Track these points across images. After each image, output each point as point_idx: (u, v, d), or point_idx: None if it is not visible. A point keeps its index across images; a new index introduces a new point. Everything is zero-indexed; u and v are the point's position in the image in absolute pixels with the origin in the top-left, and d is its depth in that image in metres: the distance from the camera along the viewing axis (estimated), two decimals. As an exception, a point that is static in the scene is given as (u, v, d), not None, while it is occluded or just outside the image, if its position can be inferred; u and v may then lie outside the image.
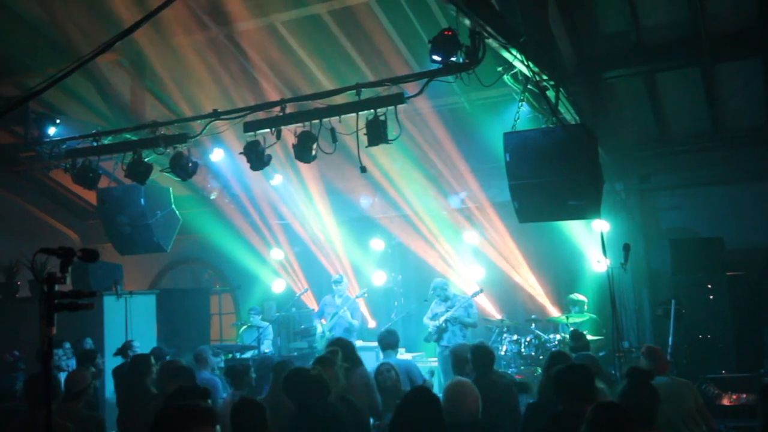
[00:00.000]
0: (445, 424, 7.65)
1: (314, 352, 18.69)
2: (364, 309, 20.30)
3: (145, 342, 16.80)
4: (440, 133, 18.41)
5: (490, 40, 10.69)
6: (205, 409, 5.84)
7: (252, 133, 13.35)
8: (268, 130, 13.16)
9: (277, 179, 18.48)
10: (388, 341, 13.43)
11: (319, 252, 22.35)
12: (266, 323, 19.86)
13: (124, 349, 15.49)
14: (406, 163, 18.94)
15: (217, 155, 16.35)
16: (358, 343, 18.28)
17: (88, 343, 16.88)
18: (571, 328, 16.09)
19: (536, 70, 11.61)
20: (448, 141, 18.53)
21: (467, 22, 10.18)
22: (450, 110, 18.13)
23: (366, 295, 19.31)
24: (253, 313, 19.89)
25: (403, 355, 15.77)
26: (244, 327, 20.36)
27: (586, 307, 17.95)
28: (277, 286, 22.11)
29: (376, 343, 17.97)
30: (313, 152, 12.77)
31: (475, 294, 17.80)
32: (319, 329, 18.75)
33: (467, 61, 10.60)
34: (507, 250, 19.78)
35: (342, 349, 11.30)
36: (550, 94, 12.12)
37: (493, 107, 16.95)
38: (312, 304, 21.59)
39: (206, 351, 14.85)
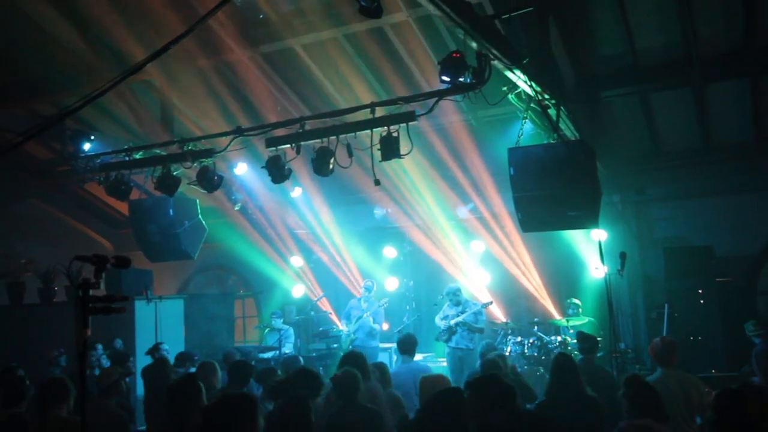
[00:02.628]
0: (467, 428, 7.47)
1: (332, 353, 18.79)
2: (376, 313, 20.35)
3: (173, 344, 16.81)
4: (450, 147, 18.45)
5: (495, 62, 10.69)
6: None
7: (273, 149, 13.38)
8: (288, 145, 13.18)
9: (297, 191, 18.50)
10: (407, 346, 13.28)
11: (333, 260, 22.37)
12: (287, 326, 19.85)
13: (153, 350, 15.51)
14: (418, 175, 18.93)
15: (241, 169, 16.39)
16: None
17: (119, 343, 16.90)
18: (578, 331, 16.08)
19: (538, 89, 11.60)
20: (458, 154, 18.57)
21: (474, 45, 10.18)
22: (459, 127, 18.11)
23: (387, 303, 19.31)
24: (275, 317, 19.85)
25: (415, 356, 15.71)
26: (267, 330, 20.34)
27: (580, 310, 17.97)
28: (297, 291, 22.09)
29: (389, 345, 18.07)
30: (331, 166, 12.80)
31: (485, 305, 17.83)
32: (345, 329, 18.73)
33: (474, 81, 10.60)
34: (515, 257, 19.78)
35: (353, 363, 11.12)
36: (552, 112, 12.11)
37: (498, 124, 16.96)
38: (328, 309, 21.62)
39: (234, 354, 14.87)
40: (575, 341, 14.69)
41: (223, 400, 6.58)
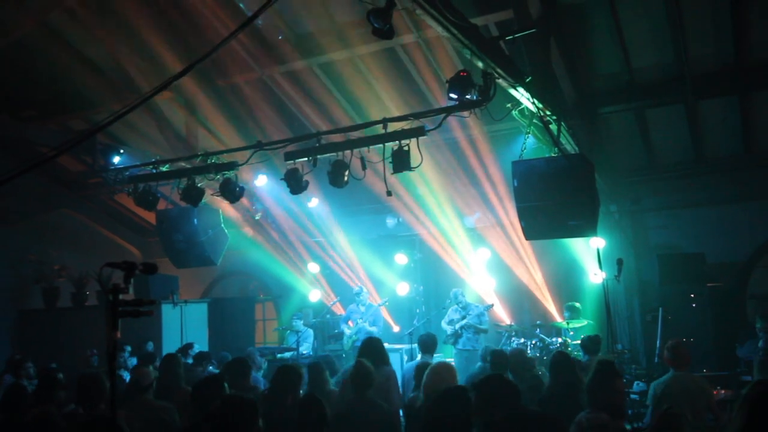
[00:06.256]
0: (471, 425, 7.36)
1: (342, 353, 18.86)
2: (387, 316, 20.31)
3: (198, 344, 16.82)
4: (458, 160, 18.48)
5: (500, 80, 10.68)
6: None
7: (291, 162, 13.39)
8: (305, 158, 13.19)
9: (314, 202, 18.51)
10: (426, 345, 13.26)
11: (347, 267, 22.39)
12: (306, 328, 19.84)
13: (184, 350, 15.56)
14: (429, 185, 18.93)
15: (261, 181, 16.43)
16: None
17: (150, 346, 16.97)
18: (584, 336, 16.06)
19: (540, 106, 11.57)
20: (466, 166, 18.60)
21: (480, 64, 10.17)
22: (466, 141, 18.10)
23: (386, 303, 19.33)
24: (295, 319, 19.86)
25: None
26: (288, 331, 20.35)
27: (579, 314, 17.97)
28: (313, 295, 22.11)
29: (400, 346, 18.08)
30: (345, 178, 12.80)
31: (487, 308, 17.86)
32: (347, 332, 18.77)
33: (480, 98, 10.59)
34: (520, 263, 19.79)
35: (372, 348, 11.28)
36: (553, 127, 12.07)
37: (503, 139, 16.97)
38: (341, 312, 21.64)
39: (254, 353, 14.90)
40: (577, 342, 14.72)
41: (225, 403, 6.57)
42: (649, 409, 10.69)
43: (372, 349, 11.27)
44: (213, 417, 6.33)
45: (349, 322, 18.95)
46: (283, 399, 8.60)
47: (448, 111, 11.59)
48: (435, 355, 17.10)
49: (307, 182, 13.54)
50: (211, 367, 14.12)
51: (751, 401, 5.43)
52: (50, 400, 9.83)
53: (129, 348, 16.37)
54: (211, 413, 6.43)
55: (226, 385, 8.21)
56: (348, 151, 12.79)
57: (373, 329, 18.49)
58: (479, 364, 13.50)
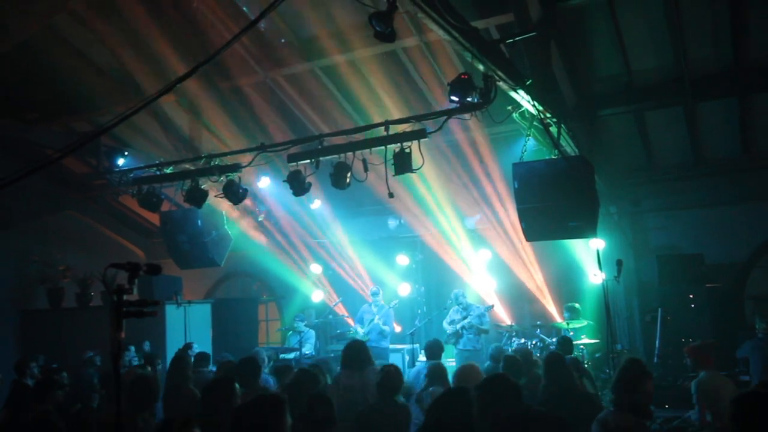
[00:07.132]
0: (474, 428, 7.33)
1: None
2: (390, 316, 20.38)
3: (201, 345, 16.82)
4: (460, 161, 18.48)
5: (500, 83, 10.69)
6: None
7: (294, 164, 13.40)
8: (308, 160, 13.21)
9: (316, 204, 18.52)
10: (434, 351, 13.26)
11: (350, 268, 22.38)
12: (308, 329, 19.83)
13: (184, 350, 15.56)
14: (430, 187, 18.92)
15: (264, 183, 16.43)
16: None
17: (147, 345, 16.96)
18: (562, 334, 16.05)
19: (540, 108, 11.57)
20: (468, 168, 18.62)
21: (481, 67, 10.18)
22: (468, 143, 18.10)
23: (396, 305, 19.32)
24: (298, 320, 19.83)
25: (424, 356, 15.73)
26: (290, 332, 20.33)
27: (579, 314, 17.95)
28: (316, 296, 22.08)
29: (402, 346, 18.09)
30: (348, 180, 12.82)
31: (488, 308, 17.84)
32: (360, 331, 18.76)
33: (481, 101, 10.60)
34: (521, 263, 19.77)
35: (357, 352, 11.38)
36: (553, 129, 12.08)
37: (503, 141, 16.97)
38: (344, 313, 21.63)
39: (261, 353, 14.94)
40: (578, 342, 14.73)
41: (255, 401, 6.57)
42: (696, 407, 10.73)
43: (357, 352, 11.38)
44: (243, 414, 6.34)
45: (358, 329, 18.99)
46: (300, 399, 8.61)
47: (450, 113, 11.64)
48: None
49: (310, 184, 13.58)
50: (212, 368, 14.13)
51: None
52: (48, 400, 9.87)
53: (133, 348, 16.38)
54: (240, 410, 6.45)
55: (237, 386, 8.22)
56: (350, 153, 12.84)
57: (386, 328, 18.53)
58: (488, 363, 13.46)
